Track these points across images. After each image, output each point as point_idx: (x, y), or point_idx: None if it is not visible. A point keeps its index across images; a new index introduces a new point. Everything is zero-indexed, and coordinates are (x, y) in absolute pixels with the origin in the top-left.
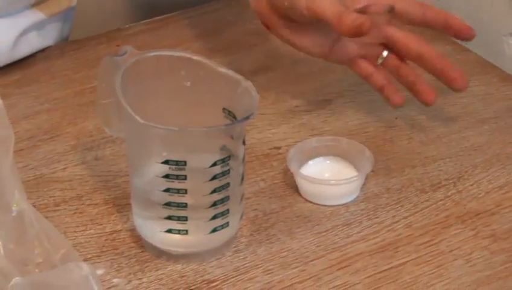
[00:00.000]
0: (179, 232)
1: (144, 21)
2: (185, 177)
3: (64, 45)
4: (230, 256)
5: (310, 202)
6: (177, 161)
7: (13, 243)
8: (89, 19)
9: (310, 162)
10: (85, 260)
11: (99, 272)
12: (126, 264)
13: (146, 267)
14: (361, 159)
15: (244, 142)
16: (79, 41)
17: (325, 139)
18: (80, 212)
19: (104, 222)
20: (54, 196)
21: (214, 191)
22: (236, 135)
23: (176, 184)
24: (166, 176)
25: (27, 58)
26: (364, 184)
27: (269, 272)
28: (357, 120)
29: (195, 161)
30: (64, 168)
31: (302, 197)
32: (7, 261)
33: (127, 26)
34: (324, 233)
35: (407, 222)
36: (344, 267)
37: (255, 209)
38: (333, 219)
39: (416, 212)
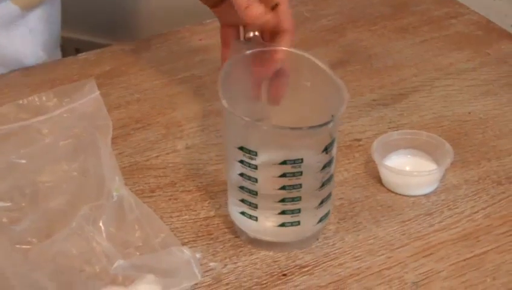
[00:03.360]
0: (250, 217)
1: None
2: (255, 167)
3: (150, 38)
4: (320, 243)
5: (392, 192)
6: (249, 150)
7: (114, 227)
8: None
9: (392, 154)
10: (182, 244)
11: (197, 256)
12: (221, 249)
13: (240, 252)
14: (441, 152)
15: (326, 152)
16: (164, 35)
17: (406, 132)
18: (175, 199)
19: (198, 208)
20: (149, 183)
21: (283, 188)
22: (312, 140)
23: (248, 171)
24: (241, 162)
25: (116, 51)
26: (443, 176)
27: (357, 258)
28: (432, 114)
29: (266, 154)
30: (157, 156)
31: (385, 187)
32: (110, 244)
33: (208, 21)
34: (407, 222)
35: (486, 212)
36: (428, 255)
37: (341, 199)
38: (415, 209)
39: (494, 203)
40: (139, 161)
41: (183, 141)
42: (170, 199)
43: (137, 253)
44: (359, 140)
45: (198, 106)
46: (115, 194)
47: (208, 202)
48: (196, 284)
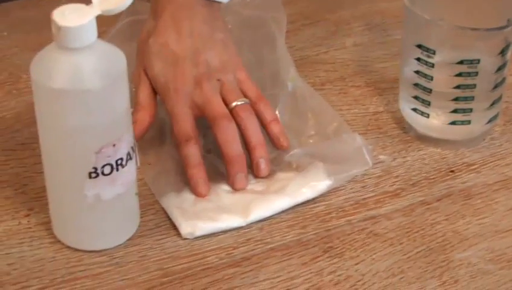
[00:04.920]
0: (422, 114)
1: None
2: (432, 65)
3: None
4: (486, 143)
5: None
6: (428, 48)
7: (288, 116)
8: None
9: None
10: None
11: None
12: (390, 143)
13: (409, 147)
14: None
15: (502, 54)
16: None
17: None
18: (344, 93)
19: (367, 103)
20: (319, 76)
21: (457, 87)
22: (488, 43)
23: (424, 69)
24: (418, 59)
25: None
26: None
27: None
28: None
29: (444, 53)
30: (327, 52)
31: None
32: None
33: None
34: None
35: None
36: None
37: (507, 102)
38: None
39: None
40: (309, 55)
41: (351, 38)
42: (340, 93)
43: (311, 141)
44: None
45: (365, 6)
46: (289, 84)
47: (376, 97)
48: (367, 174)
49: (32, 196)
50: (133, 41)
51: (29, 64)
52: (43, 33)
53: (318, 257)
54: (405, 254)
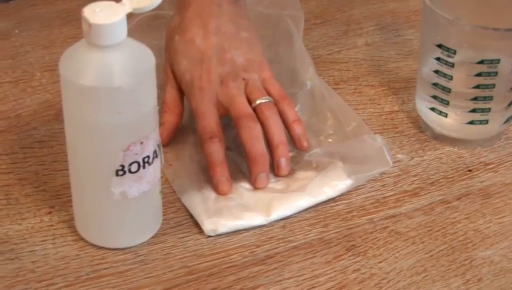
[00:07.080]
0: (440, 113)
1: None
2: (452, 65)
3: None
4: (502, 142)
5: None
6: (448, 48)
7: (307, 115)
8: None
9: None
10: None
11: None
12: (407, 142)
13: (425, 146)
14: None
15: None
16: None
17: None
18: (359, 92)
19: (382, 102)
20: (333, 76)
21: (477, 87)
22: (508, 43)
23: (444, 68)
24: (438, 59)
25: None
26: None
27: None
28: None
29: (464, 53)
30: (339, 51)
31: None
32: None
33: None
34: None
35: None
36: None
37: None
38: None
39: None
40: (322, 55)
41: (362, 38)
42: (354, 92)
43: (330, 140)
44: None
45: (375, 6)
46: (308, 83)
47: (391, 97)
48: (385, 173)
49: (53, 194)
50: (150, 36)
51: (42, 62)
52: (54, 31)
53: (341, 255)
54: (427, 253)
